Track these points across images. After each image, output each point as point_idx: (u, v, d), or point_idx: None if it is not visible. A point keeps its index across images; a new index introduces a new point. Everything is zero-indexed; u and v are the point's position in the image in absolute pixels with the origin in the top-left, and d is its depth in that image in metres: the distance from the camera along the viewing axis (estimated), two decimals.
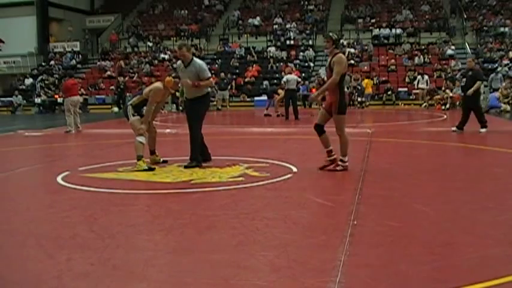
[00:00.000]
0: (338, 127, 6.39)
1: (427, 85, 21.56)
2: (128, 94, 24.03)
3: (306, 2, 31.39)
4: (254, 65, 25.65)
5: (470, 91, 10.79)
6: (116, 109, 24.10)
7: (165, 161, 7.29)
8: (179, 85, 7.37)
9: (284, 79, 16.28)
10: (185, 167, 6.88)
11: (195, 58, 7.11)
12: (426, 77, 21.78)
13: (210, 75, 7.24)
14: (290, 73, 16.82)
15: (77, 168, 7.12)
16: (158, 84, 7.08)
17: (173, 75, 7.07)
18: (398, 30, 27.18)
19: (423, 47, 25.79)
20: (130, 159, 7.56)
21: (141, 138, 6.87)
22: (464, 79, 11.17)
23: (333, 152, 6.48)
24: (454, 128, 11.04)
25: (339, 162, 6.40)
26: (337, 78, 6.22)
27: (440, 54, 25.07)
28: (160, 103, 7.40)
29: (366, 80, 22.78)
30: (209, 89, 7.59)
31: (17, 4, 30.38)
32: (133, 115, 6.99)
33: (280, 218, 4.39)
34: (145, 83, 24.43)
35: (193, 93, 7.07)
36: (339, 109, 6.32)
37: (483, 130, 10.92)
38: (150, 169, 6.74)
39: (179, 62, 7.24)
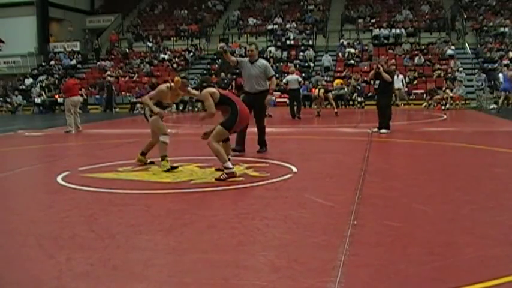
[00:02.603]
0: (214, 135, 6.12)
1: (403, 85, 21.37)
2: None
3: (306, 2, 31.38)
4: None
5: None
6: (116, 109, 24.12)
7: (151, 162, 7.22)
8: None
9: (284, 80, 16.33)
10: (258, 151, 7.82)
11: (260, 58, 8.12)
12: (401, 76, 21.23)
13: (274, 73, 8.37)
14: (292, 73, 16.85)
15: (77, 168, 7.12)
16: (163, 85, 7.11)
17: (182, 75, 7.07)
18: (398, 30, 27.19)
19: (423, 47, 25.80)
20: (130, 159, 7.56)
21: (164, 138, 6.81)
22: (377, 81, 10.95)
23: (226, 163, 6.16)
24: (383, 131, 10.84)
25: (224, 171, 6.03)
26: (212, 112, 6.21)
27: (440, 54, 25.09)
28: (168, 103, 7.27)
29: (337, 80, 22.54)
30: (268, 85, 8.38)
31: (17, 4, 30.35)
32: (151, 115, 6.95)
33: (280, 218, 4.39)
34: (146, 83, 24.49)
35: (257, 87, 7.85)
36: (224, 122, 6.17)
37: (375, 130, 10.95)
38: (173, 168, 6.63)
39: (245, 59, 8.33)
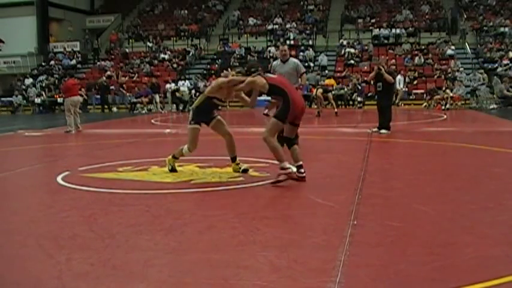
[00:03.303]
0: (268, 129, 5.68)
1: (403, 86, 21.42)
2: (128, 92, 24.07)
3: (306, 2, 31.41)
4: None
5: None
6: (115, 109, 24.12)
7: (245, 171, 6.43)
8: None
9: None
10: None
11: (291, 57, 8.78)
12: (402, 77, 21.39)
13: (305, 70, 8.99)
14: None
15: (77, 168, 7.12)
16: (220, 78, 6.43)
17: (237, 70, 6.47)
18: (398, 30, 27.20)
19: (423, 47, 25.80)
20: (130, 159, 7.56)
21: (186, 151, 6.35)
22: (379, 83, 10.76)
23: (302, 169, 5.83)
24: (383, 131, 10.75)
25: (280, 171, 5.62)
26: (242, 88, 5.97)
27: (440, 54, 25.09)
28: (220, 100, 6.41)
29: (328, 80, 22.60)
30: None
31: (17, 4, 30.38)
32: (191, 122, 6.29)
33: (280, 218, 4.39)
34: (146, 83, 24.49)
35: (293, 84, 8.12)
36: (277, 113, 5.72)
37: (375, 130, 10.89)
38: (173, 170, 6.46)
39: (275, 61, 8.81)
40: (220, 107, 6.51)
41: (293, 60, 8.79)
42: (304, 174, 5.82)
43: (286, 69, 8.49)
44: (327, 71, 25.01)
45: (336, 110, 17.75)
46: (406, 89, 22.45)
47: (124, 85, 24.93)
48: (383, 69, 10.72)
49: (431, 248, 3.52)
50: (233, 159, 6.54)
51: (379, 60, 12.12)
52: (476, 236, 3.81)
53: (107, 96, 24.21)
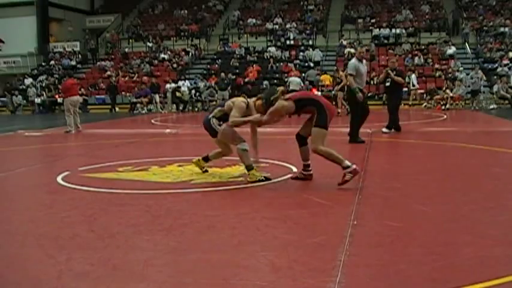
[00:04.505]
0: (314, 140, 5.61)
1: (413, 85, 21.61)
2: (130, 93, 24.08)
3: (306, 2, 31.41)
4: (254, 65, 25.67)
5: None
6: (116, 109, 24.13)
7: (206, 171, 6.48)
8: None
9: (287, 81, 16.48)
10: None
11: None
12: (415, 76, 21.59)
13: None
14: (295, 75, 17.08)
15: (77, 168, 7.12)
16: (241, 99, 6.09)
17: (262, 101, 5.96)
18: (399, 30, 27.19)
19: (423, 47, 25.79)
20: (130, 159, 7.55)
21: (242, 146, 5.93)
22: (388, 78, 10.82)
23: (309, 167, 5.93)
24: (384, 130, 10.88)
25: (344, 171, 5.50)
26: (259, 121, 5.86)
27: (440, 54, 25.08)
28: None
29: (323, 76, 22.64)
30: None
31: (17, 4, 30.37)
32: (220, 125, 6.04)
33: (280, 218, 4.39)
34: (145, 83, 24.46)
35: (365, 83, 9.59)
36: (319, 122, 5.58)
37: (386, 130, 10.90)
38: (267, 179, 5.87)
39: (354, 61, 9.53)
40: None
41: (364, 61, 9.89)
42: (311, 172, 5.97)
43: (365, 70, 9.69)
44: (319, 67, 24.99)
45: (338, 110, 17.73)
46: (407, 89, 22.41)
47: (145, 83, 24.89)
48: (391, 73, 10.77)
49: (431, 248, 3.52)
50: (205, 159, 6.44)
51: (393, 61, 12.07)
52: (476, 236, 3.80)
53: (116, 96, 24.22)
